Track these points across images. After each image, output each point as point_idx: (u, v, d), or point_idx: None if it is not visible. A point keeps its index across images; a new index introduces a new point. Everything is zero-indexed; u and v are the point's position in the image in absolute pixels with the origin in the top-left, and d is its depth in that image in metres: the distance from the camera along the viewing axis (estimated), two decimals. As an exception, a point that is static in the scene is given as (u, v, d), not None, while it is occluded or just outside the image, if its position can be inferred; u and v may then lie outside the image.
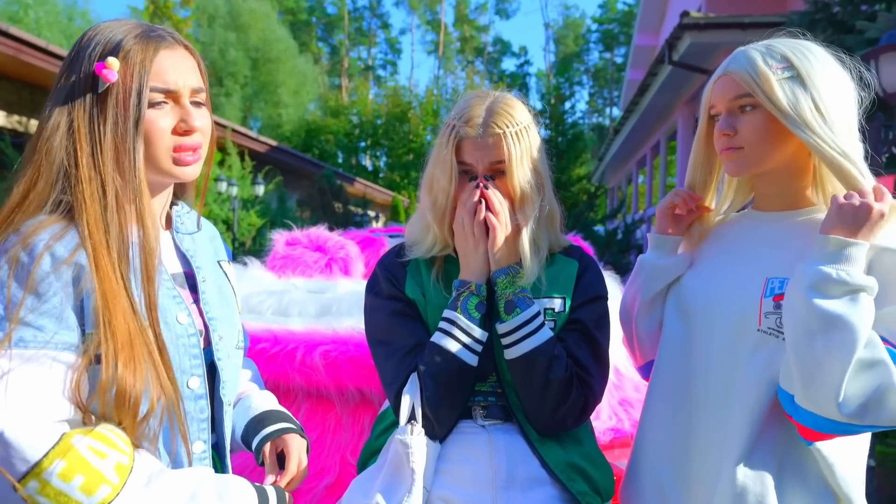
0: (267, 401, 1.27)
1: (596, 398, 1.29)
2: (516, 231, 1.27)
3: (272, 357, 1.84)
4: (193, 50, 1.07)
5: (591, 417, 1.61)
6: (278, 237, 2.57)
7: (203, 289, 1.11)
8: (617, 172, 18.17)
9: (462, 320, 1.24)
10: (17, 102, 8.40)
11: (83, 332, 0.92)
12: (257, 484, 1.05)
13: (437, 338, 1.24)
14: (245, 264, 2.39)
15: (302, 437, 1.22)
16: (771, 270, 1.16)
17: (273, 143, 15.97)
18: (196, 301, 1.10)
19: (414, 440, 1.19)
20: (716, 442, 1.15)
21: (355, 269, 2.50)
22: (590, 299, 1.32)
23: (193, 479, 0.96)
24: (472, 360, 1.24)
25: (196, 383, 1.05)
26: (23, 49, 7.08)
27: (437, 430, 1.24)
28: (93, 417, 0.92)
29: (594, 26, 39.16)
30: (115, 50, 0.98)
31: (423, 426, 1.21)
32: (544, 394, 1.23)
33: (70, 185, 0.96)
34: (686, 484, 1.19)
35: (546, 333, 1.24)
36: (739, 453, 1.11)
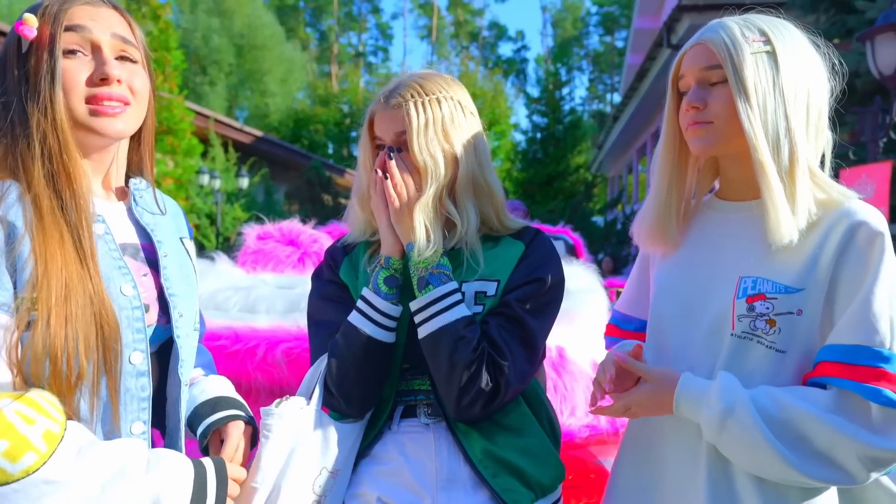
0: (218, 386, 1.24)
1: (511, 385, 1.21)
2: (409, 204, 1.24)
3: (232, 354, 1.80)
4: (124, 12, 1.08)
5: (567, 414, 1.63)
6: (249, 231, 2.54)
7: (164, 264, 1.10)
8: (617, 161, 17.90)
9: (370, 294, 1.23)
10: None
11: (16, 293, 0.91)
12: (197, 458, 1.03)
13: (351, 316, 1.24)
14: (213, 259, 2.36)
15: (248, 424, 1.18)
16: (743, 269, 1.13)
17: (258, 133, 15.68)
18: (156, 276, 1.09)
19: (274, 412, 1.14)
20: (687, 460, 1.15)
21: (329, 264, 2.38)
22: (525, 282, 1.26)
23: (125, 450, 0.94)
24: (379, 334, 1.21)
25: (139, 359, 1.02)
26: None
27: (347, 409, 1.22)
28: (26, 384, 0.90)
29: (594, 9, 38.53)
30: (34, 9, 1.01)
31: (331, 403, 1.22)
32: (449, 376, 1.19)
33: (9, 143, 0.98)
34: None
35: (458, 312, 1.20)
36: (709, 482, 1.11)
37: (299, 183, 16.50)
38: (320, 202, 15.92)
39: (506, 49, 43.27)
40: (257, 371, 1.79)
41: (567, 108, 17.14)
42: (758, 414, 1.03)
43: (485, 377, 1.18)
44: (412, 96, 1.24)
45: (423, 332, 1.21)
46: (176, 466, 0.97)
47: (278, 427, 1.13)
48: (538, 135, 16.71)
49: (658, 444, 1.20)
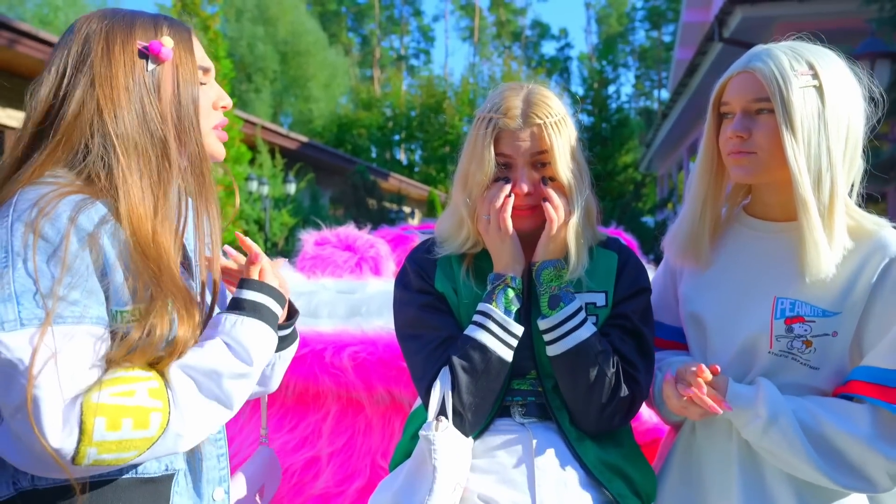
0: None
1: (643, 394, 1.28)
2: (566, 224, 1.26)
3: (300, 358, 1.80)
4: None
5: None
6: (307, 237, 2.57)
7: None
8: (666, 159, 17.46)
9: (497, 313, 1.24)
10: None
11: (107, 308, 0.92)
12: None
13: (471, 331, 1.24)
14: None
15: None
16: (779, 289, 1.18)
17: (304, 139, 15.83)
18: None
19: (438, 436, 1.16)
20: (720, 460, 1.22)
21: (386, 269, 2.47)
22: (634, 293, 1.31)
23: (208, 356, 0.95)
24: (508, 354, 1.24)
25: None
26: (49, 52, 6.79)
27: (470, 426, 1.23)
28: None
29: (639, 3, 37.78)
30: (156, 31, 1.00)
31: (454, 421, 1.20)
32: (591, 391, 1.22)
33: (108, 161, 0.95)
34: None
35: (590, 328, 1.24)
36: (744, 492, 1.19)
37: (344, 188, 16.62)
38: (365, 206, 15.99)
39: (549, 48, 42.83)
40: (325, 374, 1.80)
41: (613, 106, 16.80)
42: (799, 427, 1.12)
43: (624, 389, 1.23)
44: (546, 116, 1.25)
45: (558, 348, 1.23)
46: (256, 331, 1.00)
47: (444, 453, 1.14)
48: (584, 134, 16.39)
49: (696, 444, 1.28)
